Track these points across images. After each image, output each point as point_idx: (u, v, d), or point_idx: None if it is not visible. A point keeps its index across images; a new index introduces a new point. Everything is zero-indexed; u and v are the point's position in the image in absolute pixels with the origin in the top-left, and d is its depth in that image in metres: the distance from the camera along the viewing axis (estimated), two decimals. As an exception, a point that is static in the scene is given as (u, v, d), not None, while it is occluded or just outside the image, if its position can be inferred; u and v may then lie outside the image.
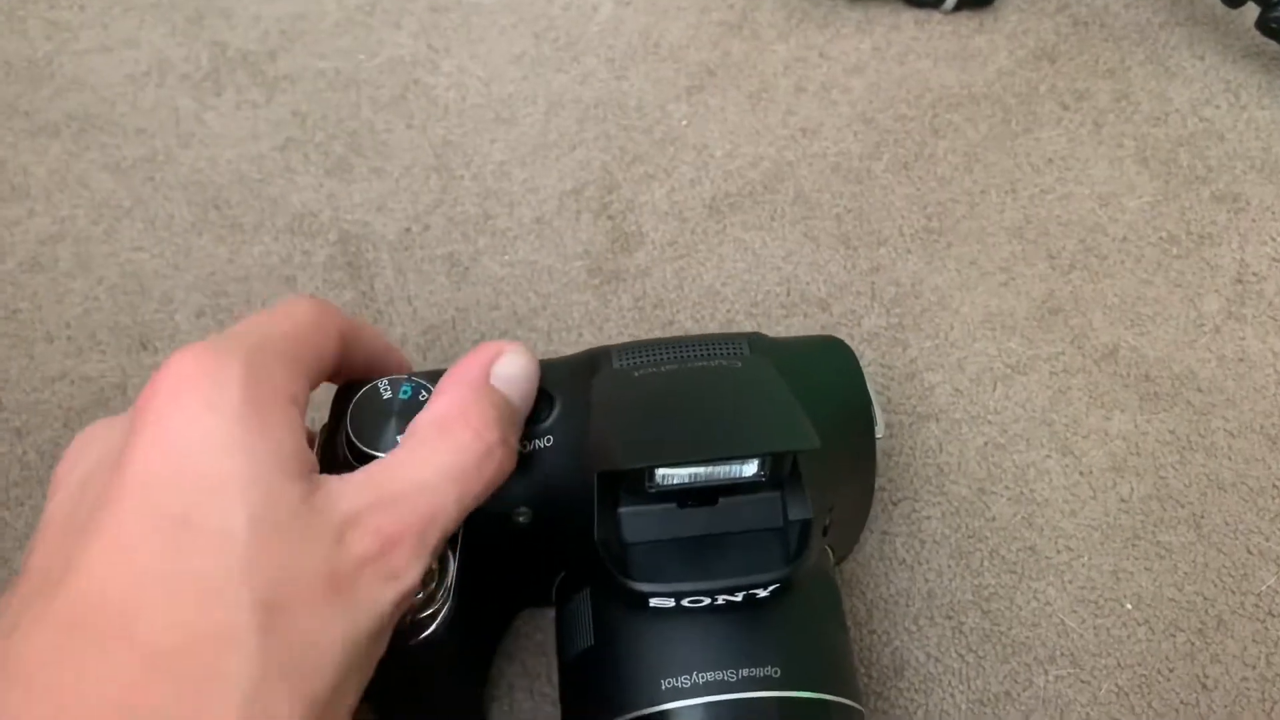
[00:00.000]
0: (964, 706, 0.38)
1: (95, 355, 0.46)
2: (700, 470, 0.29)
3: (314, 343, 0.29)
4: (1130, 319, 0.46)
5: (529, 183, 0.51)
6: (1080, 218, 0.49)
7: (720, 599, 0.29)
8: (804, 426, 0.28)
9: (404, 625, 0.29)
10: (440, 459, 0.28)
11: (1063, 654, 0.39)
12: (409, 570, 0.26)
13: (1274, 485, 0.42)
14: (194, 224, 0.50)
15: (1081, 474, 0.43)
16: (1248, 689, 0.38)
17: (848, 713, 0.30)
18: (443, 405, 0.29)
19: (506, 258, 0.48)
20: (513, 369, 0.31)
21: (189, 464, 0.24)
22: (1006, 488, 0.42)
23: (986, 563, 0.41)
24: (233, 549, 0.24)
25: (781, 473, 0.30)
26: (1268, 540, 0.41)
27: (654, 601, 0.29)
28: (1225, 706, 0.38)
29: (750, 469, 0.29)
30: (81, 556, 0.24)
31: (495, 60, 0.55)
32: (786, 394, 0.30)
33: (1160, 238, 0.48)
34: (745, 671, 0.29)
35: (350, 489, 0.26)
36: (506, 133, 0.52)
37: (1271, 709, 0.38)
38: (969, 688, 0.38)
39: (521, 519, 0.32)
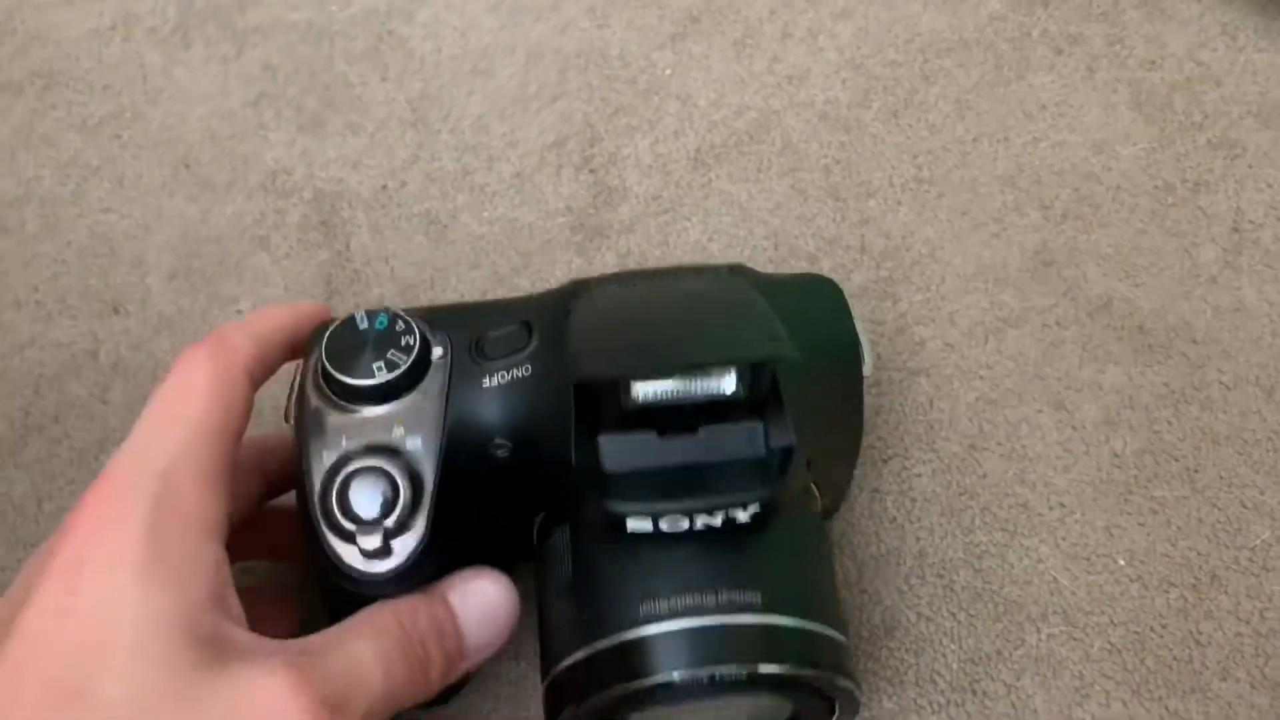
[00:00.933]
0: (955, 666, 0.38)
1: (65, 320, 0.45)
2: (678, 385, 0.28)
3: (227, 430, 0.28)
4: (1124, 270, 0.45)
5: (508, 136, 0.49)
6: (1074, 166, 0.48)
7: (700, 522, 0.28)
8: (782, 337, 0.27)
9: (376, 552, 0.29)
10: (368, 643, 0.27)
11: (1055, 611, 0.38)
12: None
13: (1269, 438, 0.41)
14: (164, 183, 0.48)
15: (1074, 429, 0.42)
16: (1241, 645, 0.38)
17: (832, 644, 0.29)
18: (381, 608, 0.29)
19: (486, 215, 0.47)
20: (480, 593, 0.30)
21: (83, 630, 0.24)
22: (998, 444, 0.42)
23: (978, 520, 0.40)
24: None
25: (761, 393, 0.29)
26: (1262, 494, 0.40)
27: (632, 525, 0.28)
28: (1219, 662, 0.38)
29: (729, 385, 0.28)
30: None
31: (472, 9, 0.53)
32: (765, 308, 0.29)
33: (1155, 186, 0.47)
34: (725, 596, 0.28)
35: (265, 658, 0.25)
36: (484, 85, 0.51)
37: (1265, 664, 0.38)
38: (960, 647, 0.38)
39: (500, 452, 0.31)
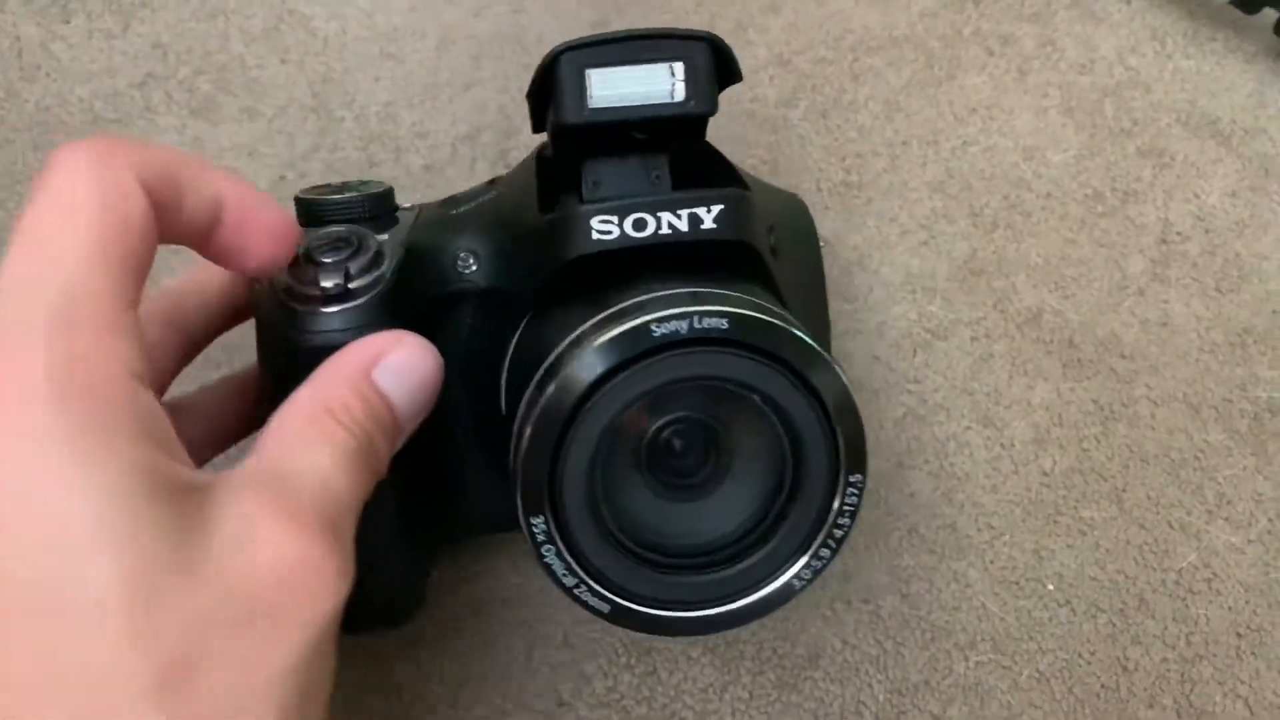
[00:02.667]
0: (882, 697, 0.36)
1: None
2: (630, 81, 0.29)
3: (127, 254, 0.22)
4: (1054, 281, 0.44)
5: (418, 126, 0.46)
6: (1004, 172, 0.47)
7: (665, 222, 0.28)
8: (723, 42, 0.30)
9: (337, 293, 0.29)
10: (325, 453, 0.24)
11: (983, 638, 0.37)
12: (331, 570, 0.22)
13: (1195, 457, 0.41)
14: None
15: (1003, 446, 0.41)
16: (1168, 670, 0.37)
17: (803, 348, 0.27)
18: (308, 396, 0.25)
19: (393, 211, 0.44)
20: (403, 363, 0.27)
21: (22, 532, 0.19)
22: (926, 461, 0.40)
23: (905, 542, 0.39)
24: (112, 619, 0.19)
25: (708, 107, 0.30)
26: (1189, 514, 0.40)
27: (597, 229, 0.28)
28: (1145, 689, 0.37)
29: (679, 90, 0.29)
30: None
31: (380, -11, 0.50)
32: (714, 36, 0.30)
33: (1085, 194, 0.46)
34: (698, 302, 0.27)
35: (237, 492, 0.22)
36: (393, 70, 0.48)
37: (1191, 691, 0.37)
38: (887, 676, 0.37)
39: (466, 265, 0.32)
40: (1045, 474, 0.40)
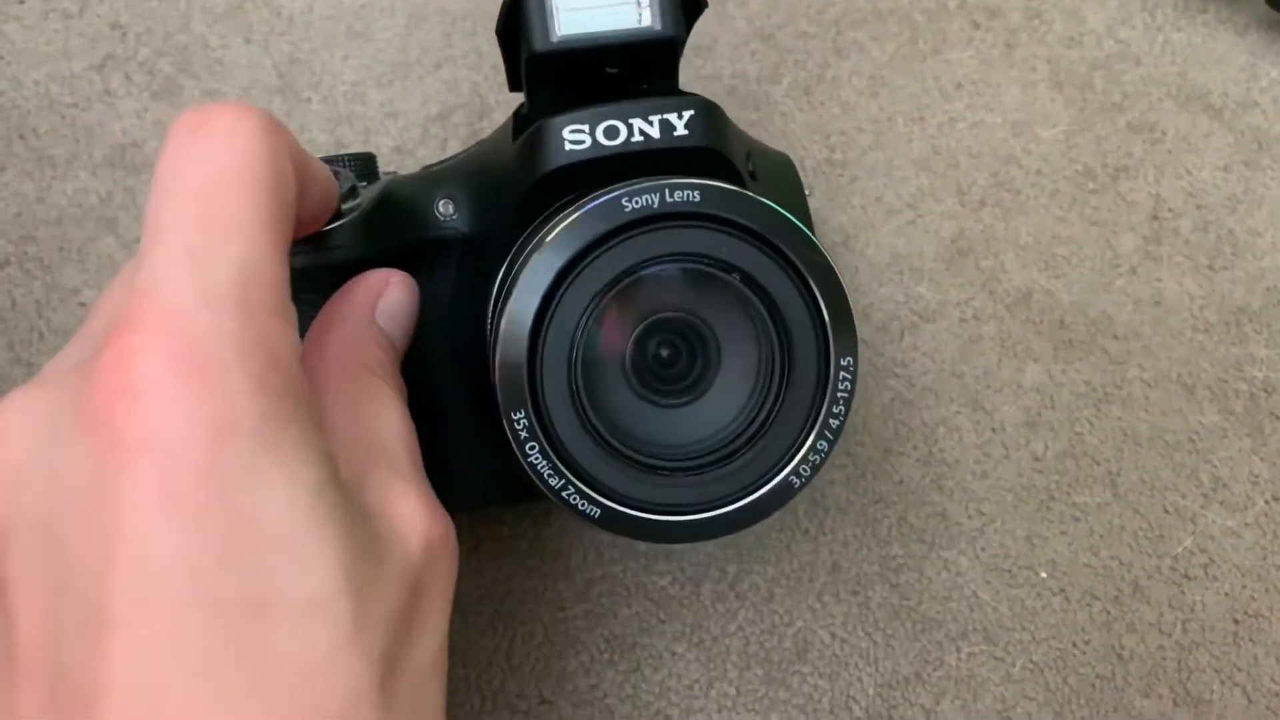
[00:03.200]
0: (872, 691, 0.35)
1: (-127, 314, 0.39)
2: (597, 6, 0.29)
3: (288, 223, 0.22)
4: (1044, 260, 0.43)
5: (387, 107, 0.45)
6: (992, 149, 0.46)
7: (637, 129, 0.28)
8: None
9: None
10: (394, 415, 0.25)
11: (975, 629, 0.36)
12: (451, 531, 0.24)
13: (1190, 439, 0.40)
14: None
15: (994, 430, 0.40)
16: (1164, 659, 0.36)
17: (780, 221, 0.27)
18: (339, 351, 0.25)
19: (363, 195, 0.43)
20: (397, 305, 0.28)
21: (233, 534, 0.18)
22: (915, 447, 0.39)
23: (894, 531, 0.38)
24: (329, 618, 0.19)
25: (675, 31, 0.29)
26: (1184, 498, 0.39)
27: (569, 139, 0.28)
28: (1141, 678, 0.36)
29: (645, 15, 0.29)
30: (110, 672, 0.18)
31: (347, -35, 0.48)
32: None
33: (1076, 171, 0.45)
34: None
35: (366, 475, 0.23)
36: (361, 49, 0.46)
37: (1188, 679, 0.36)
38: (877, 670, 0.36)
39: (445, 208, 0.31)
40: (1037, 458, 0.39)
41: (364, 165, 0.33)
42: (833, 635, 0.36)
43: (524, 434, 0.26)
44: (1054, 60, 0.48)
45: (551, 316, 0.26)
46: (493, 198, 0.31)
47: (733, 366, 0.28)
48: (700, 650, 0.36)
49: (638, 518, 0.26)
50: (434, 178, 0.33)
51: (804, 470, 0.27)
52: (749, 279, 0.26)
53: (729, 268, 0.26)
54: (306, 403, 0.20)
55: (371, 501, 0.22)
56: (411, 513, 0.23)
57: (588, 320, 0.26)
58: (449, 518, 0.24)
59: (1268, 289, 0.42)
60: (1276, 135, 0.46)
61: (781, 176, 0.37)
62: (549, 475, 0.26)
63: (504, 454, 0.30)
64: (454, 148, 0.44)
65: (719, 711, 0.35)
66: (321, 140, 0.44)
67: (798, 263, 0.26)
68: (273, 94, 0.45)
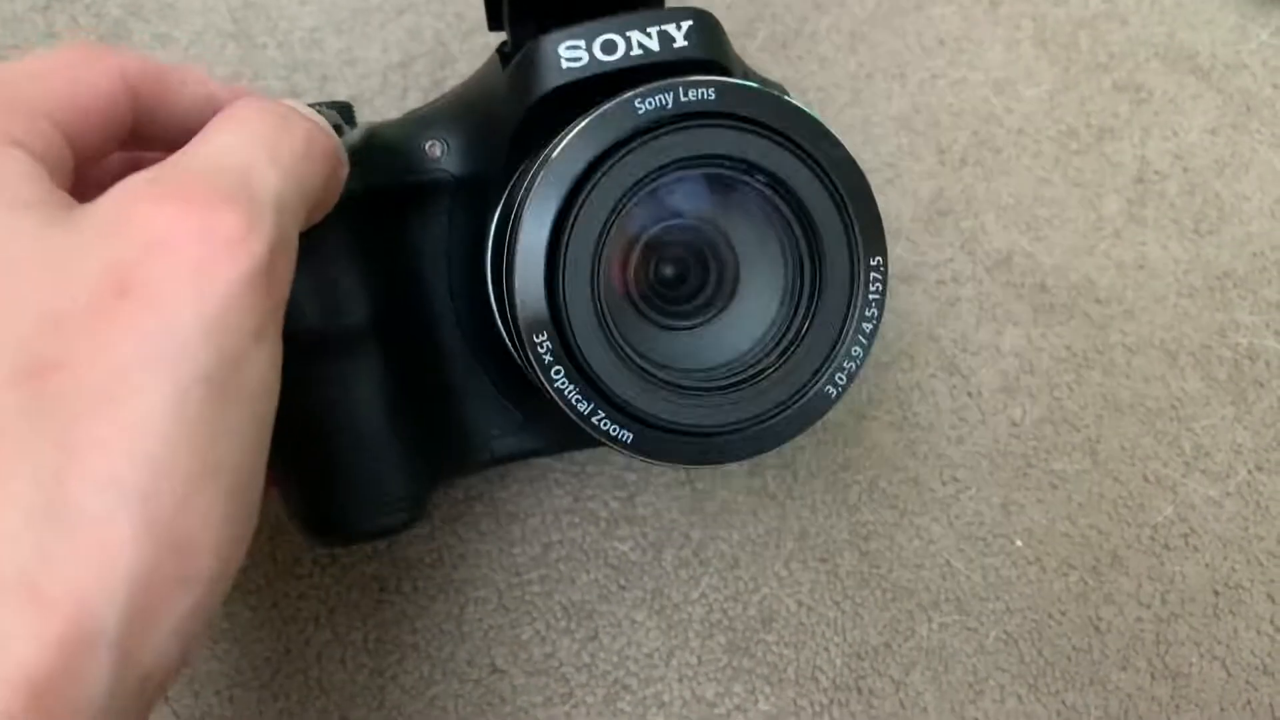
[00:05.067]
0: (839, 661, 0.34)
1: None
2: None
3: (60, 88, 0.23)
4: (1025, 222, 0.42)
5: (346, 54, 0.43)
6: (973, 107, 0.44)
7: (635, 42, 0.27)
8: None
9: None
10: (232, 132, 0.22)
11: (947, 598, 0.35)
12: (249, 239, 0.20)
13: (1172, 406, 0.39)
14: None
15: (970, 395, 0.38)
16: (1142, 631, 0.35)
17: (798, 114, 0.25)
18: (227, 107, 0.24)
19: (318, 144, 0.41)
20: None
21: None
22: (888, 411, 0.38)
23: (865, 497, 0.36)
24: None
25: None
26: (1165, 466, 0.38)
27: (565, 56, 0.27)
28: (1119, 650, 0.35)
29: None
30: None
31: (307, -93, 0.46)
32: None
33: (1059, 131, 0.44)
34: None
35: (120, 188, 0.21)
36: (320, -6, 0.44)
37: (1166, 652, 0.35)
38: (845, 639, 0.34)
39: (435, 150, 0.30)
40: (1014, 424, 0.38)
41: (343, 113, 0.31)
42: (799, 603, 0.35)
43: (548, 358, 0.24)
44: (1039, 18, 0.46)
45: (570, 233, 0.24)
46: (484, 133, 0.30)
47: (757, 278, 0.27)
48: (661, 618, 0.35)
49: (671, 439, 0.25)
50: (419, 120, 0.31)
51: (840, 379, 0.26)
52: (775, 180, 0.25)
53: (752, 169, 0.25)
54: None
55: (95, 210, 0.20)
56: (147, 212, 0.20)
57: (608, 233, 0.25)
58: (239, 216, 0.21)
59: (1254, 254, 0.41)
60: (1265, 98, 0.45)
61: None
62: (577, 400, 0.24)
63: (514, 403, 0.29)
64: (413, 98, 0.42)
65: (680, 681, 0.34)
66: (277, 88, 0.42)
67: (821, 159, 0.25)
68: (226, 39, 0.43)
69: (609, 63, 0.27)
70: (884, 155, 0.43)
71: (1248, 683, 0.35)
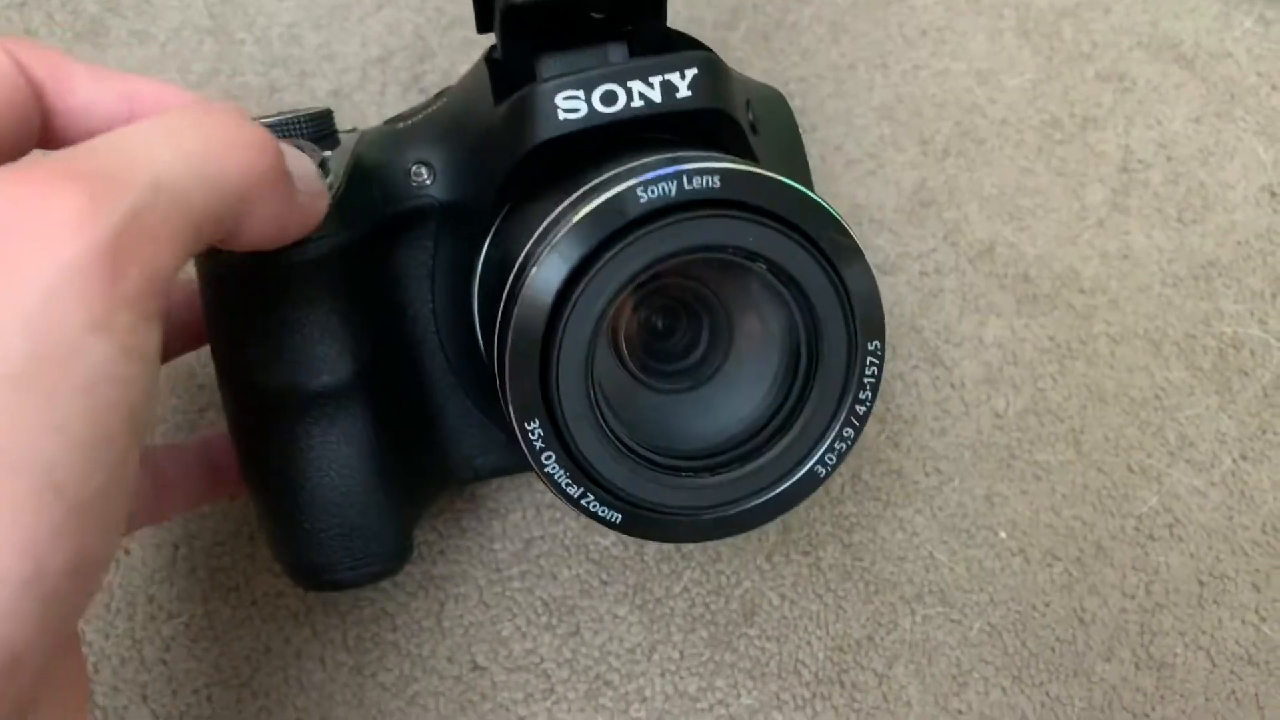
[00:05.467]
0: (822, 655, 0.34)
1: None
2: None
3: None
4: (1009, 212, 0.41)
5: (325, 49, 0.43)
6: (956, 97, 0.44)
7: (636, 94, 0.26)
8: None
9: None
10: (141, 125, 0.21)
11: (931, 591, 0.35)
12: (86, 221, 0.18)
13: (1156, 396, 0.38)
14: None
15: (953, 386, 0.38)
16: (1126, 622, 0.35)
17: (805, 202, 0.25)
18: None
19: (296, 140, 0.41)
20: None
21: None
22: (872, 404, 0.38)
23: (848, 489, 0.36)
24: None
25: None
26: (1149, 456, 0.37)
27: (563, 107, 0.26)
28: (1103, 641, 0.35)
29: None
30: None
31: (285, -98, 0.46)
32: None
33: (1042, 121, 0.44)
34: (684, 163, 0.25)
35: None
36: (298, -10, 0.44)
37: (1150, 643, 0.35)
38: (828, 633, 0.34)
39: (420, 179, 0.29)
40: (998, 415, 0.38)
41: (321, 124, 0.30)
42: (782, 597, 0.34)
43: (539, 445, 0.24)
44: (1021, 7, 0.46)
45: (565, 325, 0.24)
46: (473, 165, 0.29)
47: (752, 351, 0.27)
48: (643, 613, 0.34)
49: (660, 519, 0.25)
50: (404, 138, 0.30)
51: (829, 459, 0.26)
52: (777, 268, 0.24)
53: (754, 256, 0.24)
54: None
55: None
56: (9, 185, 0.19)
57: (602, 325, 0.24)
58: (79, 187, 0.19)
59: (1238, 243, 0.41)
60: (1249, 86, 0.44)
61: (779, 120, 0.35)
62: (567, 485, 0.24)
63: (496, 423, 0.29)
64: (392, 93, 0.42)
65: (661, 676, 0.34)
66: (255, 84, 0.42)
67: (824, 247, 0.24)
68: (204, 35, 0.43)
69: (608, 114, 0.26)
70: (866, 146, 0.42)
71: (1232, 672, 0.34)
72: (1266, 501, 0.37)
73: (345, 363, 0.27)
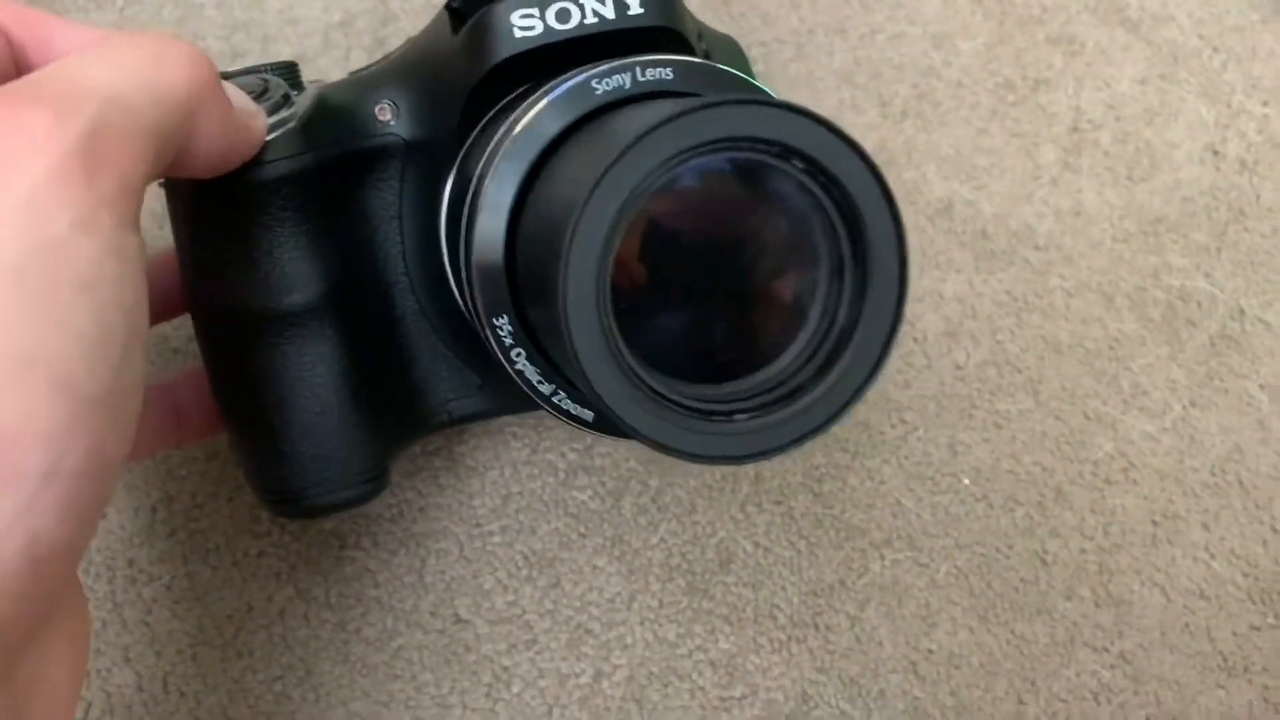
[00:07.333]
0: (796, 599, 0.35)
1: None
2: None
3: None
4: (965, 172, 0.43)
5: (286, 13, 0.42)
6: (913, 60, 0.45)
7: (589, 11, 0.26)
8: None
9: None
10: (87, 54, 0.22)
11: (899, 536, 0.36)
12: (54, 132, 0.20)
13: (1110, 346, 0.40)
14: None
15: (915, 340, 0.39)
16: (1086, 562, 0.36)
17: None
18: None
19: (261, 104, 0.40)
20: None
21: None
22: (838, 358, 0.39)
23: (817, 441, 0.37)
24: None
25: None
26: (1104, 404, 0.39)
27: (518, 25, 0.26)
28: (1064, 581, 0.36)
29: None
30: None
31: None
32: None
33: (996, 83, 0.45)
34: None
35: None
36: (258, -46, 0.44)
37: (1109, 581, 0.36)
38: (801, 578, 0.35)
39: (390, 120, 0.29)
40: (959, 367, 0.39)
41: (287, 74, 0.31)
42: (756, 545, 0.35)
43: (508, 340, 0.24)
44: (974, -27, 0.47)
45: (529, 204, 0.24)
46: (435, 98, 0.29)
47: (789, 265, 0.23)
48: (622, 563, 0.35)
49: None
50: (368, 82, 0.31)
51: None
52: (815, 166, 0.21)
53: (788, 152, 0.21)
54: None
55: None
56: None
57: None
58: (46, 107, 0.20)
59: (1184, 199, 0.42)
60: (1192, 49, 0.46)
61: (731, 61, 0.36)
62: (539, 381, 0.24)
63: (471, 366, 0.29)
64: (356, 57, 0.42)
65: (641, 624, 0.34)
66: (217, 49, 0.41)
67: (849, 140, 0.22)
68: (163, 0, 0.42)
69: (563, 31, 0.26)
70: (827, 109, 0.43)
71: (1185, 607, 0.36)
72: (1214, 445, 0.38)
73: (315, 284, 0.28)
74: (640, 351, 0.22)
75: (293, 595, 0.34)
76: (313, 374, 0.28)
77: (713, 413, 0.22)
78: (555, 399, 0.24)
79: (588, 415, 0.24)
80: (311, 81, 0.33)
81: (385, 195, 0.30)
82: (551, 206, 0.23)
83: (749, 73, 0.35)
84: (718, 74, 0.25)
